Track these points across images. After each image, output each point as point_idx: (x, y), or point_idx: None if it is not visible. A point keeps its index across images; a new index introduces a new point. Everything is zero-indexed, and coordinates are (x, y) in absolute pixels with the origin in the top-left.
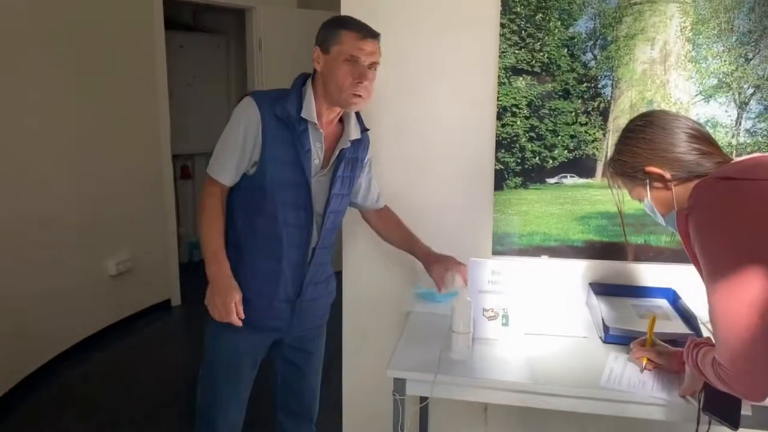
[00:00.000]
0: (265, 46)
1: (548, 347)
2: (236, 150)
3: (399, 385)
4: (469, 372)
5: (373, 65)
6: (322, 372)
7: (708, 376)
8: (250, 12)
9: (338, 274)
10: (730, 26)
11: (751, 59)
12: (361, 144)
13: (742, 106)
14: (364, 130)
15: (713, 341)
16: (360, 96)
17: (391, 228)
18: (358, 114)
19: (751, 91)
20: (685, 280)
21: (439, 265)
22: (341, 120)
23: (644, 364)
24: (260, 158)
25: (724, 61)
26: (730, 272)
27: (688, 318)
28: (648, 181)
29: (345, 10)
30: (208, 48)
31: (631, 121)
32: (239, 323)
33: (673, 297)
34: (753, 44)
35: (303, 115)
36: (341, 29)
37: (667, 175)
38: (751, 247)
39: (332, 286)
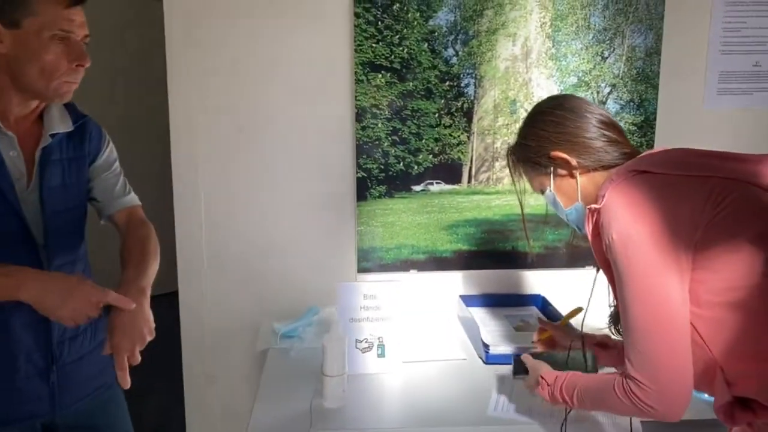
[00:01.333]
0: None
1: (428, 376)
2: None
3: None
4: (347, 422)
5: (85, 39)
6: None
7: (592, 406)
8: None
9: (173, 295)
10: (587, 23)
11: (606, 58)
12: (86, 135)
13: (600, 104)
14: (79, 118)
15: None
16: (75, 83)
17: (122, 247)
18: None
19: (607, 89)
20: (552, 285)
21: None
22: (41, 115)
23: (541, 338)
24: None
25: (583, 59)
26: (651, 275)
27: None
28: (552, 168)
29: (169, 1)
30: None
31: (539, 104)
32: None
33: (542, 303)
34: (608, 42)
35: None
36: None
37: (573, 162)
38: (673, 247)
39: (102, 330)
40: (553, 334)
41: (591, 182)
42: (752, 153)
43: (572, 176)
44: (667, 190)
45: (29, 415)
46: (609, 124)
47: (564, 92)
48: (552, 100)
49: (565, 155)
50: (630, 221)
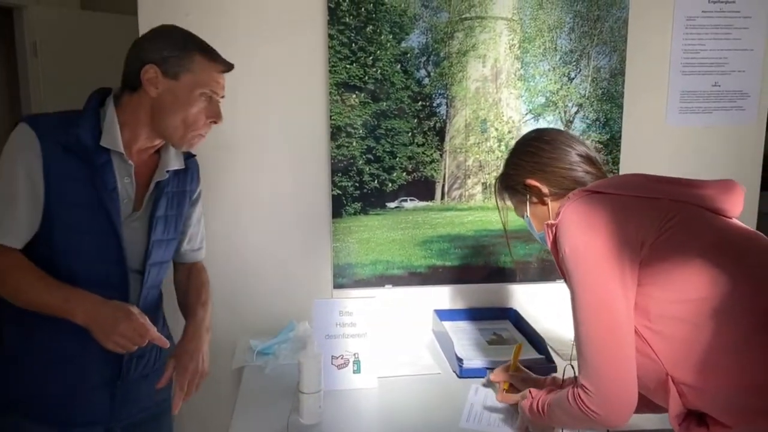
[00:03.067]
0: (43, 52)
1: (404, 391)
2: (21, 199)
3: None
4: None
5: (221, 99)
6: None
7: (556, 417)
8: (19, 11)
9: None
10: (553, 45)
11: (573, 78)
12: (189, 173)
13: (568, 124)
14: (189, 156)
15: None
16: (204, 137)
17: (187, 289)
18: None
19: (574, 109)
20: (523, 298)
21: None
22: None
23: (505, 389)
24: (45, 202)
25: (550, 79)
26: (597, 287)
27: (534, 340)
28: (528, 195)
29: (144, 16)
30: None
31: (523, 136)
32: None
33: (514, 317)
34: (574, 64)
35: (103, 143)
36: (195, 53)
37: (545, 190)
38: (619, 261)
39: (167, 351)
40: (512, 382)
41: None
42: (701, 179)
43: (544, 203)
44: (617, 209)
45: (88, 422)
46: (584, 157)
47: (547, 126)
48: (533, 132)
49: (537, 183)
50: (579, 236)
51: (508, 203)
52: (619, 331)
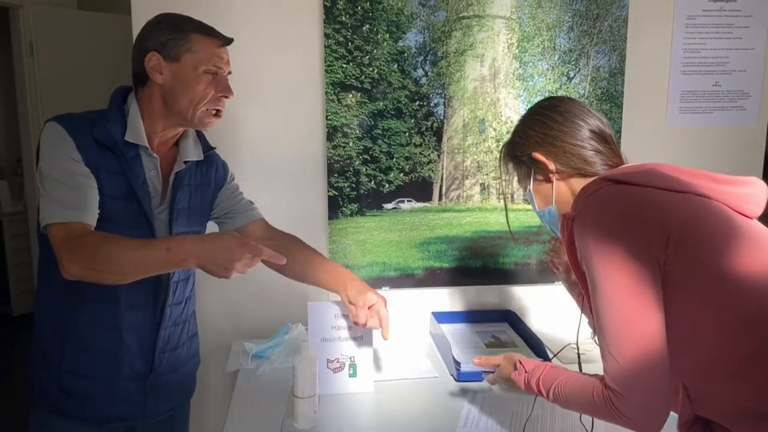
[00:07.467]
0: (40, 51)
1: (400, 395)
2: (83, 181)
3: None
4: None
5: (228, 74)
6: None
7: (567, 405)
8: (15, 11)
9: None
10: (552, 44)
11: (572, 78)
12: (212, 165)
13: None
14: (208, 149)
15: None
16: (219, 112)
17: (289, 251)
18: (198, 131)
19: None
20: (522, 301)
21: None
22: (176, 141)
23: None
24: None
25: (549, 79)
26: (626, 286)
27: (533, 343)
28: (533, 168)
29: (137, 16)
30: None
31: (537, 102)
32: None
33: (513, 319)
34: (573, 63)
35: (128, 138)
36: (192, 33)
37: (551, 166)
38: (647, 257)
39: (195, 346)
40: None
41: (568, 188)
42: (724, 174)
43: (549, 180)
44: (642, 202)
45: (120, 418)
46: (597, 134)
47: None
48: (548, 100)
49: (543, 158)
50: (604, 232)
51: (512, 172)
52: (650, 331)
